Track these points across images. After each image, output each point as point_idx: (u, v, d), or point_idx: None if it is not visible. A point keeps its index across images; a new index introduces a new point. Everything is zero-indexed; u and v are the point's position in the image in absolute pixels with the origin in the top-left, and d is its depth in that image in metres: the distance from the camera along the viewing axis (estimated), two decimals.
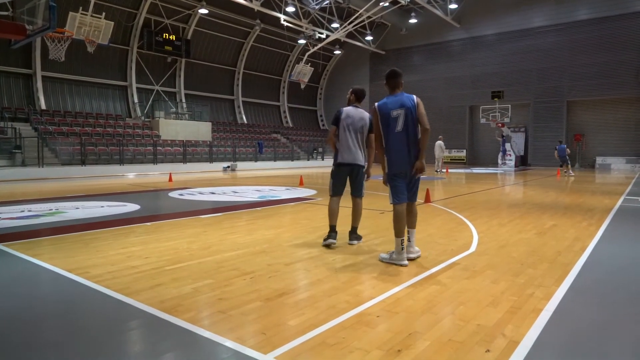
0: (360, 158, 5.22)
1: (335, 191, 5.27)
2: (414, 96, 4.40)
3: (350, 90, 5.39)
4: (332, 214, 5.23)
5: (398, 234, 4.41)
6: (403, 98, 4.37)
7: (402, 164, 4.40)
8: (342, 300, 3.37)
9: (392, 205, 4.53)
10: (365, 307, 3.20)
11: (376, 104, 4.41)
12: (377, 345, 2.59)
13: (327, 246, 5.13)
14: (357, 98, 5.35)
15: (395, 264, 4.38)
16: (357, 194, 5.37)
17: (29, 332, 2.79)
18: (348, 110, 5.21)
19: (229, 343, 2.61)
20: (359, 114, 5.21)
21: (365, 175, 5.32)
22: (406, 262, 4.40)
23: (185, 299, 3.36)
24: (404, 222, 4.46)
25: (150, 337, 2.79)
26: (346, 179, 5.28)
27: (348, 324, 2.91)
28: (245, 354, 2.47)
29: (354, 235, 5.38)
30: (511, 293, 3.54)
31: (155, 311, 3.11)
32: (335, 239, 5.16)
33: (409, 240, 4.56)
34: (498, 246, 5.27)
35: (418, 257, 4.59)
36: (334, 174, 5.30)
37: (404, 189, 4.49)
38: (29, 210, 7.89)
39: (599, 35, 27.14)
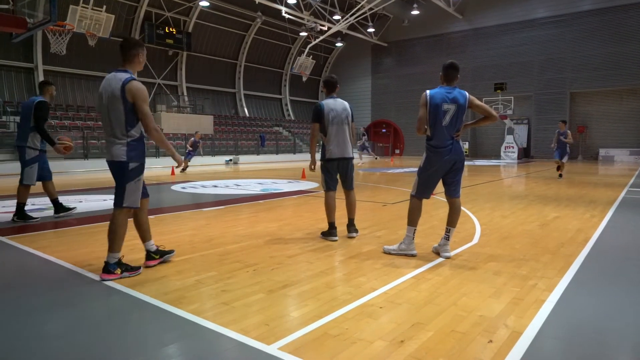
0: (349, 150, 5.18)
1: (330, 186, 5.22)
2: (466, 93, 4.29)
3: (322, 82, 5.27)
4: (331, 211, 5.17)
5: (411, 222, 4.40)
6: (456, 93, 4.21)
7: (442, 157, 4.24)
8: (345, 291, 3.38)
9: (410, 196, 4.49)
10: (368, 299, 3.21)
11: (428, 91, 4.23)
12: (380, 336, 2.60)
13: (333, 241, 5.11)
14: (329, 89, 5.19)
15: (404, 254, 4.39)
16: (349, 186, 5.32)
17: (34, 324, 2.81)
18: (328, 103, 5.10)
19: (232, 334, 2.62)
20: (340, 104, 5.14)
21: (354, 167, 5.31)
22: (415, 252, 4.40)
23: (189, 291, 3.38)
24: (417, 213, 4.42)
25: (154, 328, 2.81)
26: (337, 172, 5.22)
27: (351, 315, 2.92)
28: (248, 345, 2.49)
29: (352, 227, 5.33)
30: (513, 284, 3.55)
31: (159, 303, 3.13)
32: (336, 235, 5.15)
33: (447, 239, 4.39)
34: (500, 238, 5.27)
35: (448, 257, 4.33)
36: (324, 170, 5.21)
37: (434, 184, 4.42)
38: (33, 204, 7.91)
39: (602, 26, 26.94)
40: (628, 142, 27.34)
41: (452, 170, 4.33)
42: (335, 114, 5.05)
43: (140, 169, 3.86)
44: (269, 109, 36.91)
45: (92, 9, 17.91)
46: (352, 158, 5.23)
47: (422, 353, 2.40)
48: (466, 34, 32.09)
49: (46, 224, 6.13)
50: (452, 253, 4.44)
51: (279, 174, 16.10)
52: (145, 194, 4.06)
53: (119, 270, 3.69)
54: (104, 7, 18.85)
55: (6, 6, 8.14)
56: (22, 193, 6.26)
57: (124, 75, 3.71)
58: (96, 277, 3.70)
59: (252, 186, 11.41)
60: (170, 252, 4.21)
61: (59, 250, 4.61)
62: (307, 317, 2.88)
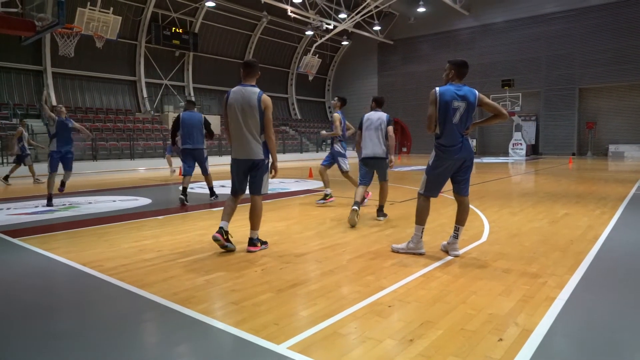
0: (378, 151, 6.20)
1: (362, 181, 6.40)
2: (476, 91, 4.26)
3: (372, 98, 6.55)
4: (355, 195, 6.25)
5: (419, 221, 4.38)
6: (466, 91, 4.18)
7: (453, 156, 4.21)
8: (354, 290, 3.38)
9: (418, 194, 4.48)
10: (376, 297, 3.21)
11: (437, 88, 4.22)
12: (389, 335, 2.60)
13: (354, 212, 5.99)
14: (378, 104, 6.44)
15: (413, 253, 4.37)
16: (381, 178, 6.43)
17: (46, 323, 2.84)
18: (368, 115, 6.37)
19: (241, 334, 2.63)
20: (376, 115, 6.30)
21: (388, 164, 6.29)
22: (423, 250, 4.39)
23: (198, 291, 3.39)
24: (425, 212, 4.40)
25: (164, 328, 2.82)
26: (371, 169, 6.35)
27: (360, 314, 2.92)
28: (258, 345, 2.50)
29: (380, 212, 6.38)
30: (523, 282, 3.52)
31: (169, 303, 3.15)
32: (358, 207, 6.05)
33: (455, 237, 4.36)
34: (509, 235, 5.24)
35: (457, 256, 4.32)
36: (359, 166, 6.41)
37: (442, 183, 4.39)
38: (43, 206, 7.99)
39: (611, 20, 26.61)
40: (638, 137, 27.00)
41: (462, 168, 4.30)
42: (369, 123, 6.27)
43: (268, 164, 4.65)
44: (276, 108, 36.88)
45: (99, 11, 18.05)
46: (383, 158, 6.23)
47: (431, 351, 2.39)
48: (473, 30, 31.86)
49: (56, 226, 6.19)
50: (461, 251, 4.42)
51: (286, 173, 16.12)
52: (243, 191, 4.78)
53: (259, 244, 4.65)
54: (111, 8, 18.96)
55: (15, 10, 8.22)
56: (209, 180, 8.61)
57: (256, 90, 4.48)
58: (107, 278, 3.73)
59: None
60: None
61: (70, 251, 4.65)
62: (316, 316, 2.88)
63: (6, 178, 12.39)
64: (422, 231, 4.40)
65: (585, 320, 2.84)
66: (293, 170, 17.40)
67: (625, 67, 26.34)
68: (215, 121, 27.46)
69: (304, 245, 4.85)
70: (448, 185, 4.52)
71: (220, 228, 4.51)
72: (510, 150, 28.47)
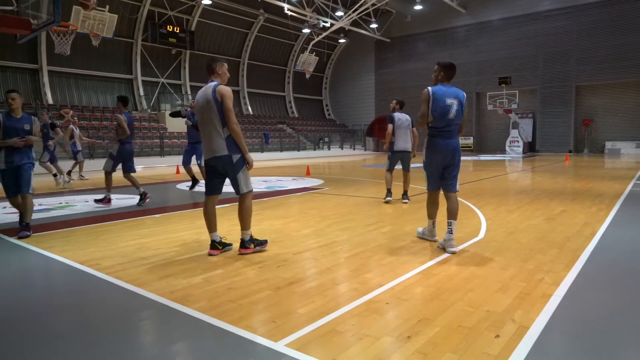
0: (408, 146, 7.65)
1: (390, 168, 7.82)
2: (464, 92, 4.57)
3: (395, 101, 7.78)
4: (388, 182, 7.78)
5: (428, 216, 4.85)
6: (456, 90, 4.49)
7: (445, 137, 4.48)
8: (351, 288, 3.38)
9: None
10: (374, 295, 3.21)
11: (430, 88, 4.46)
12: (387, 332, 2.60)
13: (387, 202, 7.58)
14: (401, 106, 7.72)
15: (427, 239, 4.88)
16: (406, 169, 7.84)
17: (43, 322, 2.83)
18: (398, 115, 7.64)
19: (239, 332, 2.63)
20: (404, 116, 7.69)
21: (412, 156, 7.75)
22: (437, 237, 4.77)
23: (196, 289, 3.39)
24: (433, 206, 4.76)
25: (161, 326, 2.82)
26: (398, 160, 7.75)
27: (357, 311, 2.92)
28: (256, 342, 2.50)
29: (405, 196, 7.76)
30: (520, 279, 3.54)
31: (166, 301, 3.14)
32: (391, 196, 7.71)
33: (450, 232, 4.39)
34: (506, 232, 5.26)
35: (454, 253, 4.33)
36: (390, 157, 7.78)
37: (437, 177, 4.61)
38: (40, 204, 7.97)
39: (608, 17, 26.66)
40: (635, 134, 27.10)
41: (451, 165, 4.51)
42: (401, 122, 7.60)
43: (243, 159, 4.29)
44: (273, 106, 36.90)
45: (95, 9, 17.94)
46: (409, 152, 7.69)
47: (429, 348, 2.40)
48: (470, 28, 31.88)
49: (53, 224, 6.17)
50: (458, 248, 4.43)
51: (283, 171, 16.11)
52: (218, 191, 4.49)
53: (252, 245, 4.43)
54: (107, 6, 18.88)
55: (10, 7, 8.16)
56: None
57: (213, 83, 4.37)
58: (104, 277, 3.73)
59: (256, 184, 11.42)
60: (230, 245, 4.58)
61: (66, 250, 4.64)
62: (314, 313, 2.89)
63: (69, 173, 12.71)
64: (433, 224, 4.79)
65: (581, 316, 2.85)
66: (291, 169, 17.39)
67: (621, 64, 26.41)
68: None
69: (301, 243, 4.85)
70: None
71: (213, 242, 4.44)
72: (507, 148, 28.52)
